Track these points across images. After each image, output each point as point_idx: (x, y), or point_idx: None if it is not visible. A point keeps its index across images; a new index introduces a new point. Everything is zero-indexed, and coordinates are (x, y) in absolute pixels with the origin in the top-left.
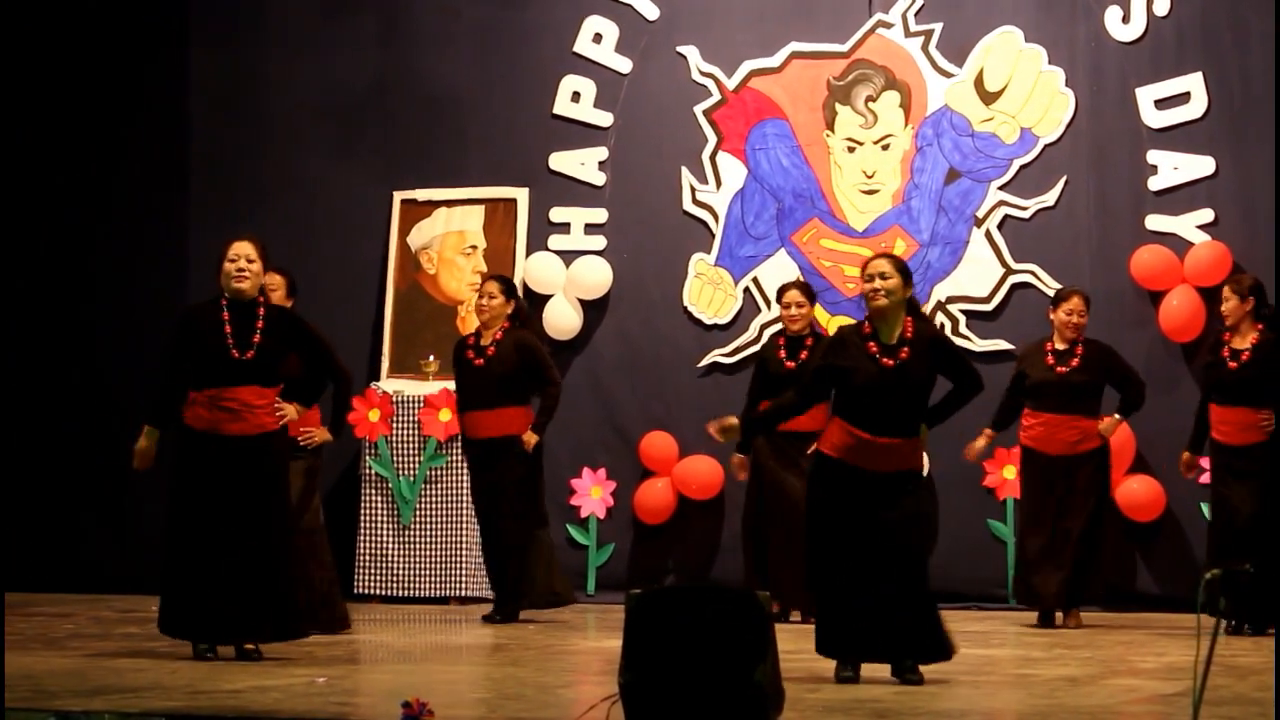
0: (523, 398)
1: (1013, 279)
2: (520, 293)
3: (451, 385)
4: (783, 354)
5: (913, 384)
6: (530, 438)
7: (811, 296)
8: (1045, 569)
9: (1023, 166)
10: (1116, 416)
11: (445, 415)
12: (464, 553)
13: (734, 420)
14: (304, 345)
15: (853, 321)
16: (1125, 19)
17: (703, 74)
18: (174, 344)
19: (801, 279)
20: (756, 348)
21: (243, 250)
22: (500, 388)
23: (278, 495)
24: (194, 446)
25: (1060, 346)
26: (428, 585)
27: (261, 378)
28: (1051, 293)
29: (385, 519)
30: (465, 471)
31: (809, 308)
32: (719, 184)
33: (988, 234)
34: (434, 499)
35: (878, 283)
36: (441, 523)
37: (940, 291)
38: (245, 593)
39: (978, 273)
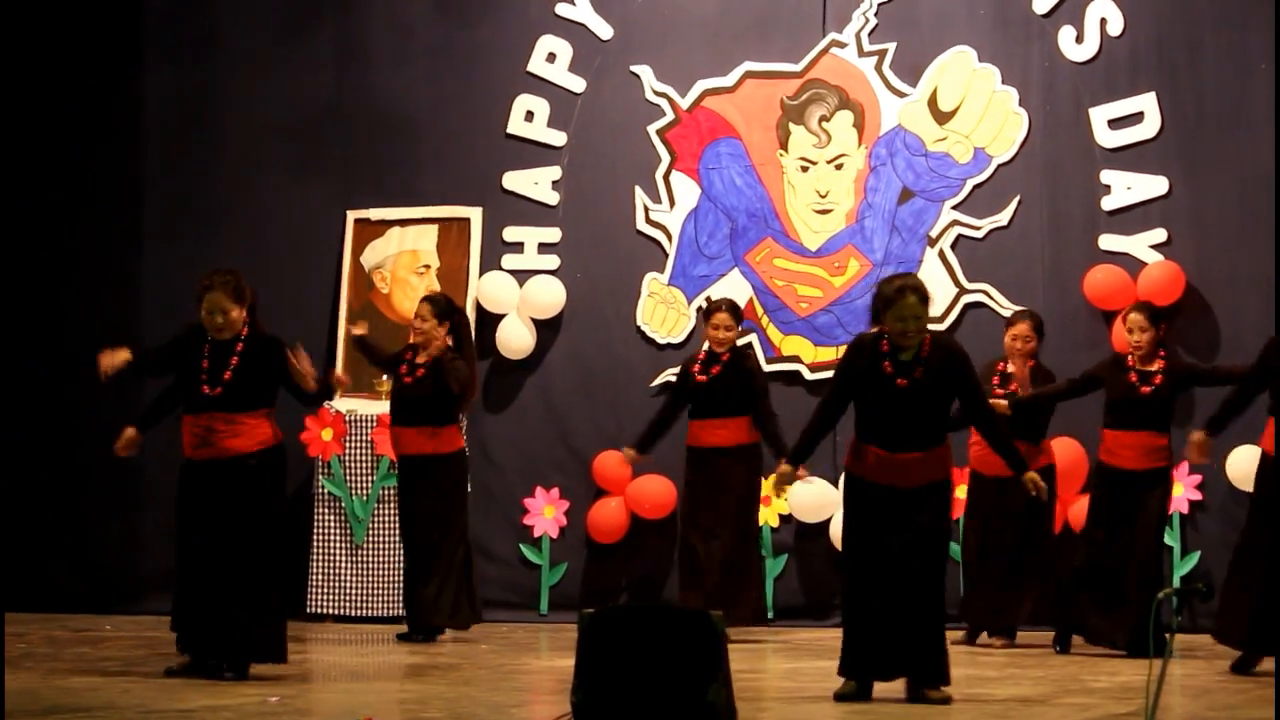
0: (449, 417)
1: (966, 299)
2: (474, 312)
3: None
4: (697, 367)
5: (925, 403)
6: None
7: (739, 318)
8: (1007, 589)
9: (976, 186)
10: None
11: None
12: None
13: (785, 467)
14: (281, 372)
15: (871, 332)
16: (1079, 39)
17: (656, 93)
18: (164, 346)
19: (731, 300)
20: None
21: (215, 304)
22: (423, 407)
23: (251, 517)
24: (182, 471)
25: (1010, 370)
26: (381, 604)
27: (228, 408)
28: (1006, 313)
29: (338, 538)
30: None
31: (735, 330)
32: (672, 203)
33: (941, 254)
34: (387, 518)
35: (911, 325)
36: (395, 542)
37: None
38: (220, 613)
39: (931, 292)
